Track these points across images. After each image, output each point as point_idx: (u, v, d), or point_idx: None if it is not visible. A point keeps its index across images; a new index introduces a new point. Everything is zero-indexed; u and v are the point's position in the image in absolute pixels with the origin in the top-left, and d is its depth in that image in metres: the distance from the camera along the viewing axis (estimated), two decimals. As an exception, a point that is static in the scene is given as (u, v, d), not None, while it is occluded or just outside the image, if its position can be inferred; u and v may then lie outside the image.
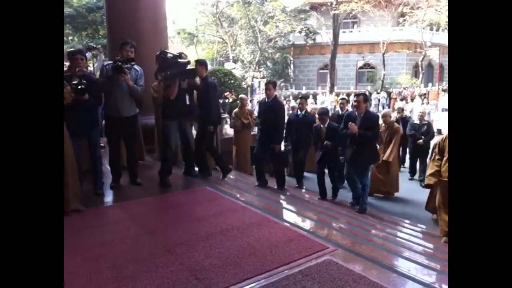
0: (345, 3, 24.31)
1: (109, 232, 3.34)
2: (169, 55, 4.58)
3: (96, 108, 4.40)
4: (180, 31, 27.37)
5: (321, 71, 29.82)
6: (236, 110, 7.59)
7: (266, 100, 5.72)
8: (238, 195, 4.51)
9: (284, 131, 6.17)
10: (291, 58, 30.37)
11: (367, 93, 7.30)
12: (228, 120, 8.69)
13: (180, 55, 4.82)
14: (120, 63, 4.19)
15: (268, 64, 28.85)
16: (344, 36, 27.67)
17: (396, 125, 6.75)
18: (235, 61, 26.20)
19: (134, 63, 4.39)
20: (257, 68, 26.58)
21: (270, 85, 5.78)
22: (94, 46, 6.74)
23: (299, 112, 6.56)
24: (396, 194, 6.76)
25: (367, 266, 2.77)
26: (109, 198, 4.37)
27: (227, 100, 9.38)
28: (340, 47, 27.16)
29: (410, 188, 7.22)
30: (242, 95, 8.19)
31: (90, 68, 6.25)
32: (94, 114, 4.30)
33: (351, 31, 29.13)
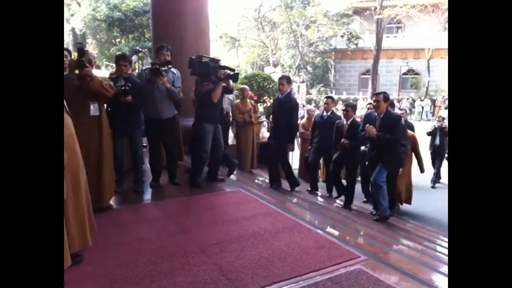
0: (389, 7, 23.74)
1: (147, 229, 3.49)
2: (206, 59, 4.67)
3: (138, 109, 4.57)
4: (223, 35, 27.86)
5: (362, 76, 29.27)
6: (236, 101, 6.73)
7: (280, 96, 5.44)
8: (271, 199, 4.55)
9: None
10: (332, 63, 30.04)
11: (410, 99, 6.79)
12: (266, 124, 8.74)
13: (218, 61, 4.88)
14: (158, 66, 4.35)
15: (308, 68, 28.70)
16: (388, 41, 27.00)
17: (410, 132, 6.11)
18: (275, 65, 26.29)
19: (171, 66, 4.55)
20: (297, 72, 26.52)
21: (284, 80, 5.43)
22: (140, 49, 7.02)
23: (324, 113, 5.95)
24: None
25: (399, 278, 2.72)
26: (148, 196, 4.55)
27: (265, 104, 9.45)
28: (383, 52, 26.52)
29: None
30: (243, 86, 7.45)
31: (137, 71, 6.50)
32: (136, 115, 4.47)
33: (395, 36, 28.39)
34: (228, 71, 4.69)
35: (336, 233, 3.62)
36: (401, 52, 27.90)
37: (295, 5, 26.42)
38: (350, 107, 5.36)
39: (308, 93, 25.21)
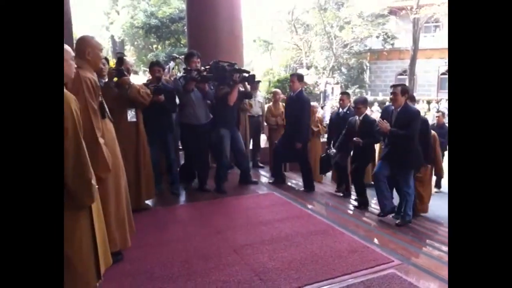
0: (426, 6, 23.04)
1: (183, 229, 3.62)
2: (224, 64, 4.74)
3: (171, 113, 4.65)
4: (256, 38, 28.05)
5: (399, 76, 28.51)
6: (269, 104, 7.04)
7: (291, 94, 5.33)
8: (304, 202, 4.56)
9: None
10: (367, 64, 29.47)
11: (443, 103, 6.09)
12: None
13: (234, 64, 4.91)
14: (197, 74, 4.48)
15: (343, 69, 28.32)
16: (425, 41, 26.17)
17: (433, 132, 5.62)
18: (308, 68, 26.14)
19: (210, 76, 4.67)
20: (331, 74, 26.25)
21: (294, 77, 5.31)
22: (177, 56, 7.24)
23: (340, 110, 5.61)
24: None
25: (433, 283, 2.67)
26: (183, 197, 4.70)
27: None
28: (421, 52, 25.74)
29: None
30: (275, 89, 7.62)
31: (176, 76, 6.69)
32: (169, 119, 4.58)
33: (433, 36, 27.46)
34: (244, 74, 4.72)
35: (369, 236, 3.60)
36: (440, 52, 26.92)
37: (328, 6, 26.19)
38: (361, 103, 5.02)
39: (342, 94, 24.86)
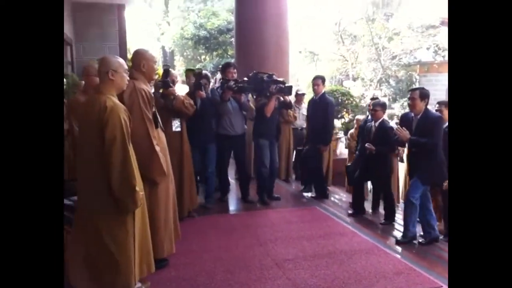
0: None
1: (226, 239, 3.67)
2: (263, 75, 4.74)
3: (212, 124, 4.64)
4: (301, 49, 28.05)
5: (450, 90, 27.35)
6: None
7: (314, 98, 5.19)
8: (347, 218, 4.48)
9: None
10: (417, 76, 28.47)
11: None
12: (344, 140, 8.62)
13: (272, 75, 4.87)
14: (234, 84, 4.53)
15: (391, 82, 27.54)
16: (480, 53, 24.94)
17: None
18: (354, 79, 25.71)
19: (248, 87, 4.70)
20: (378, 86, 25.64)
21: (319, 80, 5.14)
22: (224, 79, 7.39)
23: (369, 121, 4.82)
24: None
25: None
26: (227, 207, 4.77)
27: (343, 120, 9.32)
28: (475, 64, 24.55)
29: None
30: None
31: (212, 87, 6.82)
32: (210, 129, 4.60)
33: (489, 47, 26.14)
34: (280, 85, 4.68)
35: (415, 258, 3.46)
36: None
37: (377, 17, 25.72)
38: (380, 106, 4.57)
39: (390, 107, 24.22)
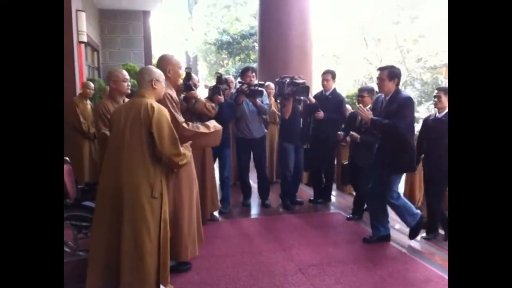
0: None
1: (249, 243, 3.65)
2: (287, 79, 4.63)
3: (228, 128, 4.58)
4: (324, 53, 27.88)
5: (479, 93, 26.55)
6: None
7: (324, 93, 4.85)
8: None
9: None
10: (443, 79, 27.82)
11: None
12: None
13: (293, 78, 4.70)
14: (247, 87, 4.47)
15: (416, 85, 26.99)
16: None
17: None
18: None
19: (263, 90, 4.61)
20: (403, 89, 25.17)
21: (328, 75, 4.79)
22: (241, 81, 7.38)
23: (437, 114, 3.96)
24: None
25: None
26: (250, 211, 4.75)
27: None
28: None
29: None
30: (348, 106, 7.55)
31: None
32: (226, 134, 4.43)
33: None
34: (293, 87, 4.50)
35: (445, 266, 3.34)
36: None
37: (401, 20, 25.30)
38: (367, 92, 4.27)
39: (416, 111, 23.72)
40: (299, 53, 6.99)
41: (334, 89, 4.87)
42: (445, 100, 3.82)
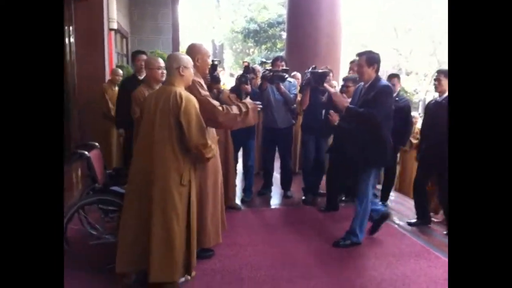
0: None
1: (272, 233, 3.68)
2: (315, 70, 4.38)
3: None
4: (352, 42, 27.33)
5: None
6: None
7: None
8: (395, 219, 4.31)
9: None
10: (476, 72, 26.84)
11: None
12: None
13: (315, 67, 4.48)
14: (269, 72, 4.35)
15: (447, 77, 26.17)
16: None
17: None
18: (408, 73, 24.70)
19: (287, 75, 4.45)
20: (433, 81, 24.44)
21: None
22: (265, 61, 7.35)
23: (437, 98, 3.94)
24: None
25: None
26: (273, 201, 4.77)
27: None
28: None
29: None
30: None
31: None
32: (253, 125, 4.28)
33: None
34: (310, 76, 4.27)
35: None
36: None
37: (434, 10, 24.42)
38: (352, 81, 4.10)
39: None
40: (328, 42, 6.89)
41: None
42: (445, 83, 3.72)
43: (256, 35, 16.45)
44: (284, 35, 10.63)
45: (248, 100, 3.06)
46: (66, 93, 5.12)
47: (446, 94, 3.74)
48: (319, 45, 6.73)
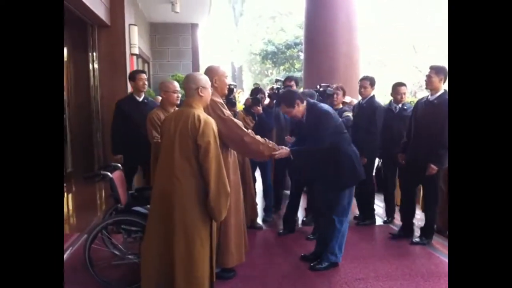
0: None
1: (293, 253, 3.59)
2: (322, 88, 4.40)
3: (268, 136, 4.20)
4: (371, 60, 27.29)
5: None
6: None
7: (361, 101, 4.46)
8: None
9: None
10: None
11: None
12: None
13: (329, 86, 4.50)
14: (271, 91, 4.47)
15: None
16: None
17: None
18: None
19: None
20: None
21: (366, 82, 4.33)
22: (279, 79, 7.36)
23: (429, 97, 3.76)
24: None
25: None
26: (280, 222, 4.69)
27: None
28: None
29: None
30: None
31: None
32: None
33: None
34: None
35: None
36: None
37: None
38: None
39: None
40: (346, 61, 6.88)
41: (372, 97, 4.39)
42: (435, 80, 3.59)
43: (274, 56, 16.65)
44: (302, 55, 10.71)
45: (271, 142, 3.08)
46: (89, 116, 5.27)
47: (439, 93, 3.61)
48: (337, 64, 6.73)
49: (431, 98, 3.67)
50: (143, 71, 4.56)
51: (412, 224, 4.06)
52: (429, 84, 3.65)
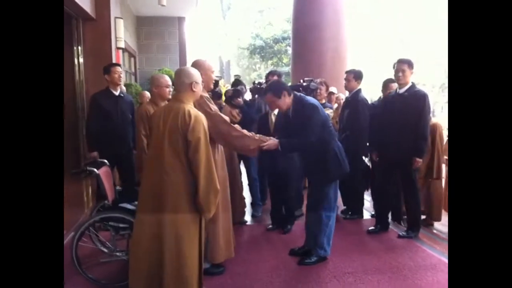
0: None
1: (283, 248, 3.60)
2: (305, 82, 4.35)
3: (252, 128, 4.18)
4: (362, 58, 27.44)
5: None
6: None
7: (347, 96, 4.46)
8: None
9: None
10: None
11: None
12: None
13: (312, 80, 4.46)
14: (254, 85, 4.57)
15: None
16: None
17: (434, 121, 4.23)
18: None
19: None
20: (441, 91, 24.34)
21: (350, 75, 4.28)
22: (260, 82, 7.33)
23: (398, 90, 3.80)
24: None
25: None
26: (268, 217, 4.70)
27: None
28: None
29: None
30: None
31: None
32: None
33: None
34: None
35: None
36: None
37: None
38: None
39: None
40: (333, 55, 6.91)
41: (357, 91, 4.30)
42: (408, 74, 3.64)
43: (262, 50, 16.62)
44: (290, 50, 10.71)
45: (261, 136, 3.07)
46: (74, 111, 5.17)
47: (408, 85, 3.65)
48: (324, 58, 6.76)
49: (400, 91, 3.69)
50: (118, 64, 4.40)
51: (387, 218, 4.13)
52: (403, 78, 3.65)
